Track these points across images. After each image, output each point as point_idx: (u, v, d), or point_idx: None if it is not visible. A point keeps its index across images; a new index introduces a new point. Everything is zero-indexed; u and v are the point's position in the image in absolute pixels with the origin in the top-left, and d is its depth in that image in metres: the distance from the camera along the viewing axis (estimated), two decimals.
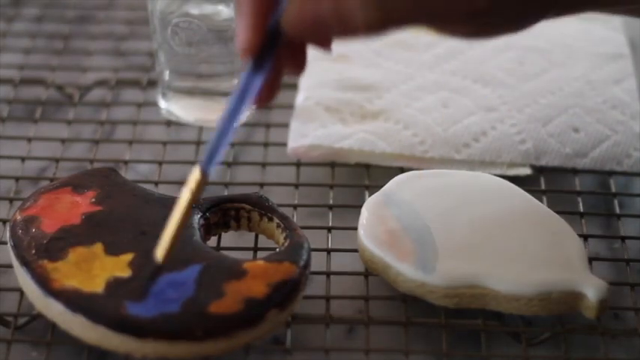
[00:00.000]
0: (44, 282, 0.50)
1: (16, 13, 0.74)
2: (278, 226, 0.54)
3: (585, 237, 0.56)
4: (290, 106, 0.64)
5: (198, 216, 0.53)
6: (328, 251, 0.55)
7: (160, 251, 0.49)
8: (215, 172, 0.48)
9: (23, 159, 0.61)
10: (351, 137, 0.61)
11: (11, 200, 0.59)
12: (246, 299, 0.49)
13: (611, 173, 0.60)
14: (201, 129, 0.63)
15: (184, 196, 0.48)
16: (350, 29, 0.43)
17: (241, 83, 0.47)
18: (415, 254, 0.52)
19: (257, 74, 0.46)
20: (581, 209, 0.58)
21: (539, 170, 0.60)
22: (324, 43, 0.45)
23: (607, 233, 0.58)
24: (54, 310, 0.49)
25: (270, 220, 0.54)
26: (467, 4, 0.43)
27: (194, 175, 0.48)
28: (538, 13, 0.46)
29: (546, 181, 0.60)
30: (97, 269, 0.50)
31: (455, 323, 0.52)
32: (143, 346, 0.48)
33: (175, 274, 0.50)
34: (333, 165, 0.61)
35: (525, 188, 0.56)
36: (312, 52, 0.67)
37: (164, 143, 0.62)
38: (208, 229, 0.54)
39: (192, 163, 0.61)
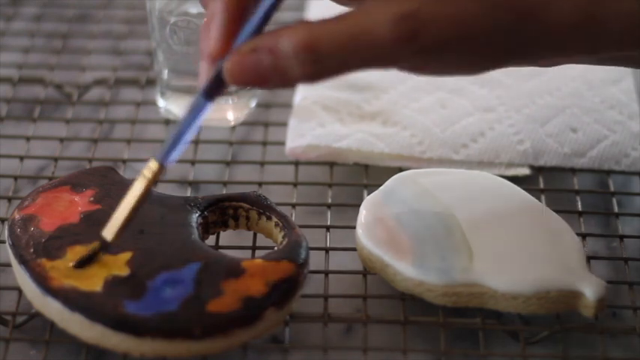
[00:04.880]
0: (42, 281, 0.50)
1: (15, 11, 0.74)
2: (276, 224, 0.54)
3: (584, 236, 0.56)
4: (288, 105, 0.64)
5: (197, 215, 0.53)
6: (327, 250, 0.55)
7: (110, 231, 0.49)
8: (174, 167, 0.50)
9: (22, 158, 0.61)
10: (350, 137, 0.61)
11: (10, 199, 0.59)
12: (244, 298, 0.49)
13: (610, 172, 0.60)
14: (199, 128, 0.63)
15: (138, 185, 0.49)
16: (288, 82, 0.46)
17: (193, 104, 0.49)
18: (413, 253, 0.52)
19: (207, 102, 0.48)
20: (580, 208, 0.58)
21: (537, 169, 0.60)
22: (264, 87, 0.48)
23: (605, 232, 0.58)
24: (52, 309, 0.49)
25: (269, 218, 0.54)
26: (389, 56, 0.45)
27: (150, 166, 0.49)
28: (488, 60, 0.47)
29: (545, 180, 0.60)
30: (95, 268, 0.50)
31: (453, 322, 0.52)
32: (141, 345, 0.48)
33: (174, 273, 0.50)
34: (331, 164, 0.61)
35: (524, 187, 0.56)
36: None
37: (163, 142, 0.62)
38: (207, 228, 0.54)
39: (191, 162, 0.61)
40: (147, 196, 0.49)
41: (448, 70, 0.48)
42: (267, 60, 0.45)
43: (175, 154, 0.49)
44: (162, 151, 0.49)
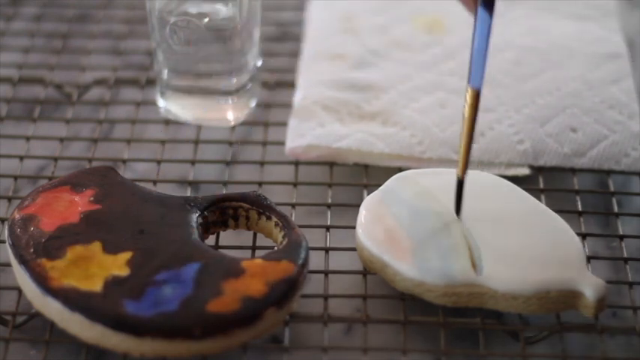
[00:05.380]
0: (42, 280, 0.50)
1: (15, 11, 0.74)
2: (276, 224, 0.54)
3: (584, 236, 0.56)
4: (288, 105, 0.64)
5: (197, 214, 0.53)
6: (326, 250, 0.55)
7: (460, 168, 0.52)
8: None
9: (22, 158, 0.61)
10: (349, 137, 0.61)
11: (10, 199, 0.59)
12: (244, 298, 0.49)
13: (610, 172, 0.60)
14: (199, 128, 0.63)
15: (467, 113, 0.52)
16: None
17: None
18: (413, 253, 0.52)
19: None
20: (580, 208, 0.58)
21: (537, 169, 0.60)
22: None
23: (605, 232, 0.58)
24: (52, 309, 0.49)
25: (269, 218, 0.54)
26: None
27: (469, 94, 0.52)
28: None
29: (545, 180, 0.60)
30: (95, 268, 0.50)
31: (453, 322, 0.52)
32: (141, 345, 0.48)
33: (173, 273, 0.50)
34: (331, 164, 0.61)
35: (524, 187, 0.56)
36: (309, 53, 0.67)
37: (162, 142, 0.62)
38: (207, 228, 0.54)
39: (191, 162, 0.61)
40: (476, 121, 0.51)
41: None
42: None
43: (483, 77, 0.51)
44: (472, 78, 0.51)
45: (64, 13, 0.74)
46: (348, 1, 0.71)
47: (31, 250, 0.51)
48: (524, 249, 0.52)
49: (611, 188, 0.60)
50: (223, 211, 0.54)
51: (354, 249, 0.54)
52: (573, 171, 0.60)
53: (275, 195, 0.57)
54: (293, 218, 0.57)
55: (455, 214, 0.53)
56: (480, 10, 0.51)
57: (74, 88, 0.67)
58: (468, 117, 0.52)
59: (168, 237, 0.52)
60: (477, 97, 0.52)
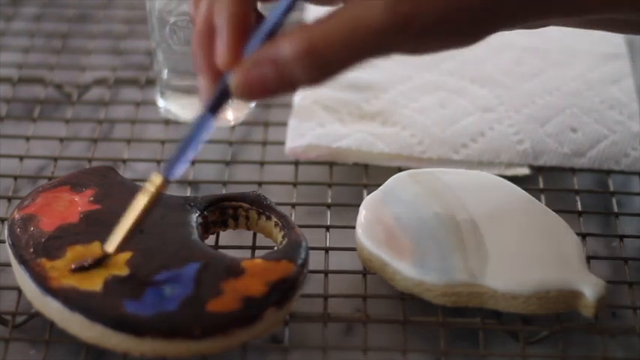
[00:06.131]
0: (42, 280, 0.50)
1: (15, 11, 0.74)
2: (276, 224, 0.54)
3: (583, 235, 0.56)
4: (288, 105, 0.64)
5: (197, 214, 0.53)
6: (326, 250, 0.55)
7: (112, 243, 0.49)
8: (181, 174, 0.50)
9: (22, 158, 0.61)
10: (349, 137, 0.61)
11: (10, 199, 0.59)
12: (244, 298, 0.49)
13: (609, 172, 0.60)
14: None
15: (142, 199, 0.49)
16: (294, 88, 0.47)
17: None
18: (413, 253, 0.52)
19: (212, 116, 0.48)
20: (580, 208, 0.58)
21: (537, 169, 0.61)
22: (272, 97, 0.48)
23: (605, 232, 0.58)
24: (52, 309, 0.49)
25: (269, 218, 0.54)
26: (388, 43, 0.45)
27: (154, 180, 0.49)
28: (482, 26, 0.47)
29: (544, 180, 0.60)
30: (94, 268, 0.50)
31: (453, 322, 0.52)
32: (141, 345, 0.48)
33: (173, 273, 0.50)
34: (331, 164, 0.61)
35: (524, 187, 0.56)
36: None
37: (162, 142, 0.62)
38: (206, 228, 0.54)
39: (191, 161, 0.61)
40: (150, 209, 0.49)
41: (447, 45, 0.47)
42: (272, 72, 0.46)
43: (179, 169, 0.49)
44: (166, 166, 0.49)
45: (64, 13, 0.74)
46: None
47: (31, 250, 0.51)
48: (524, 249, 0.52)
49: (611, 188, 0.60)
50: (223, 211, 0.54)
51: (353, 249, 0.54)
52: (573, 171, 0.60)
53: (275, 195, 0.57)
54: (293, 218, 0.57)
55: (454, 213, 0.53)
56: (205, 114, 0.48)
57: (74, 88, 0.67)
58: (146, 203, 0.49)
59: (168, 237, 0.52)
60: (162, 187, 0.49)
